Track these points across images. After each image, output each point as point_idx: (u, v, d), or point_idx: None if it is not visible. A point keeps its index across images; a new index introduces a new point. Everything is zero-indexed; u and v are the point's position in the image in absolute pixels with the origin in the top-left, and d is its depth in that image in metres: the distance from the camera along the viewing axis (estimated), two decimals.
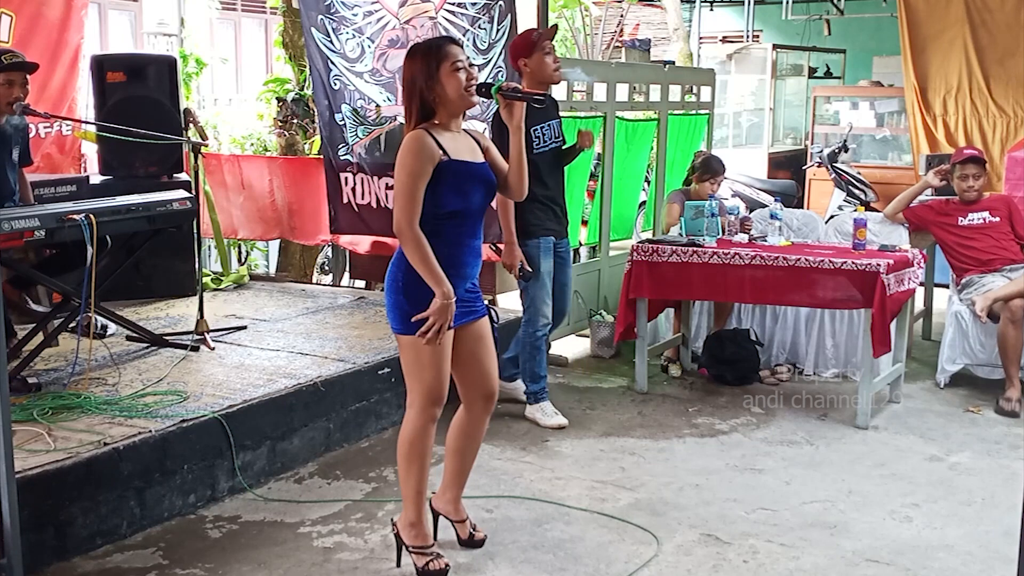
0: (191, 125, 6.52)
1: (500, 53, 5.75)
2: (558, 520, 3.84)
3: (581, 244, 6.82)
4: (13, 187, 4.86)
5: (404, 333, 3.26)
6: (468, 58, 3.27)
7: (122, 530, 3.65)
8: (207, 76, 9.89)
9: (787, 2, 14.56)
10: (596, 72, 6.48)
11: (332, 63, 6.41)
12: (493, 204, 3.83)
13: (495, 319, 3.53)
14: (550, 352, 5.78)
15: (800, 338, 5.90)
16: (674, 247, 5.27)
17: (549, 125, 4.82)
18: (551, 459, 4.51)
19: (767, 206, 7.03)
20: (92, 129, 6.31)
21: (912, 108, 8.37)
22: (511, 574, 3.42)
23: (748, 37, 14.81)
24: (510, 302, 6.27)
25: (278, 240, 7.76)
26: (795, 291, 5.06)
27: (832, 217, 7.21)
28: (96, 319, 4.75)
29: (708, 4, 16.06)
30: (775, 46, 12.33)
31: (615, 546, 3.63)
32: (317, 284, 7.47)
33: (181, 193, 5.06)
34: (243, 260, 8.15)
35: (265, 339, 5.24)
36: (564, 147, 4.99)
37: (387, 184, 6.35)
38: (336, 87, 6.43)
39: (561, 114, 5.08)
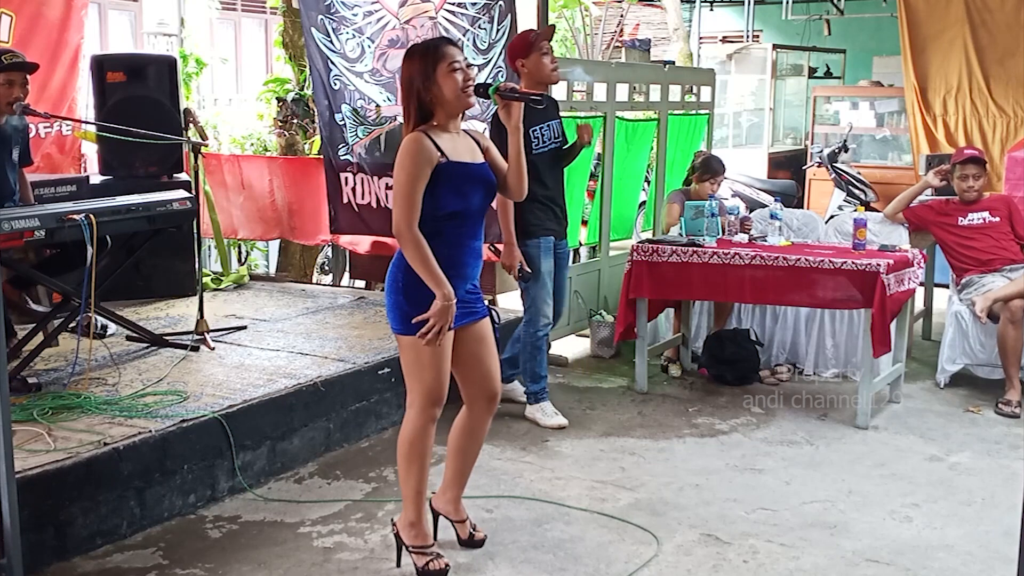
0: (191, 125, 6.52)
1: (500, 53, 5.75)
2: (558, 520, 3.84)
3: (581, 244, 6.82)
4: (13, 187, 4.86)
5: (404, 333, 3.26)
6: (466, 59, 3.27)
7: (122, 530, 3.65)
8: (207, 76, 9.89)
9: (787, 2, 14.56)
10: (596, 72, 6.48)
11: (332, 63, 6.41)
12: (493, 205, 3.83)
13: (496, 320, 3.53)
14: (550, 352, 5.78)
15: (800, 338, 5.90)
16: (674, 247, 5.27)
17: (549, 126, 4.82)
18: (551, 459, 4.51)
19: (767, 206, 7.03)
20: (92, 129, 6.31)
21: (912, 108, 8.37)
22: (511, 574, 3.42)
23: (748, 37, 14.81)
24: (510, 302, 6.27)
25: (278, 240, 7.76)
26: (795, 291, 5.06)
27: (832, 217, 7.21)
28: (96, 319, 4.75)
29: (708, 4, 16.06)
30: (775, 46, 12.33)
31: (615, 546, 3.63)
32: (317, 284, 7.47)
33: (181, 193, 5.06)
34: (243, 260, 8.15)
35: (265, 339, 5.24)
36: (565, 146, 4.99)
37: (387, 184, 6.35)
38: (336, 87, 6.43)
39: (561, 114, 5.08)
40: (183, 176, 6.23)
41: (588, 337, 6.35)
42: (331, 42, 6.38)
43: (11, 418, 2.96)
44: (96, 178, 6.19)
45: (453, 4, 5.95)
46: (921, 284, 5.60)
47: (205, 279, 6.14)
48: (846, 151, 9.40)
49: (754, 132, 12.18)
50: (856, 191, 9.04)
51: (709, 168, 5.93)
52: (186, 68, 8.36)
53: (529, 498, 4.04)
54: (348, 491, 4.13)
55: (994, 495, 4.14)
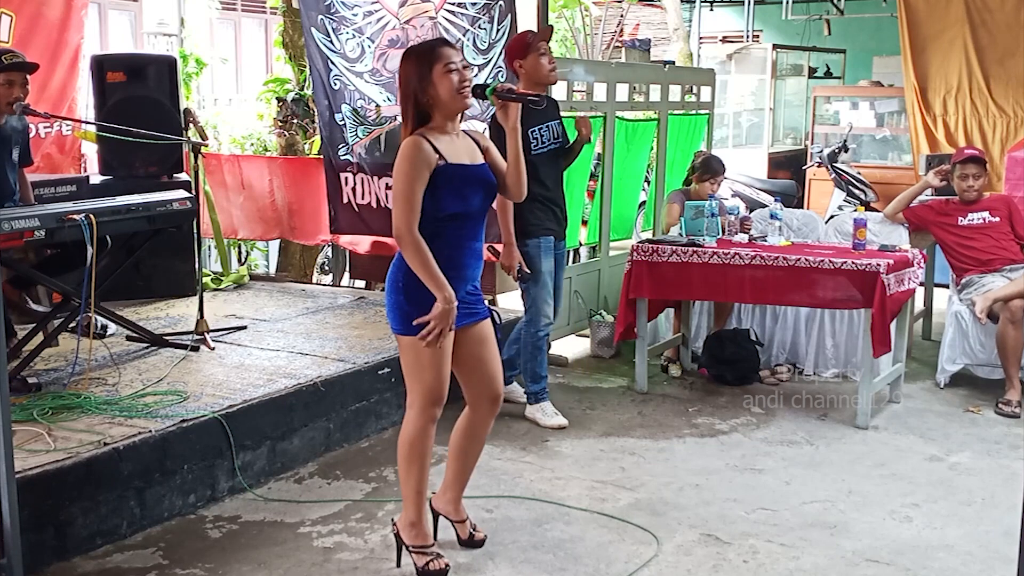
0: (191, 125, 6.52)
1: (500, 53, 5.74)
2: (558, 520, 3.84)
3: (581, 244, 6.82)
4: (13, 187, 4.86)
5: (404, 334, 3.26)
6: (463, 59, 3.25)
7: (122, 530, 3.65)
8: (207, 76, 9.89)
9: (787, 2, 14.56)
10: (596, 72, 6.48)
11: (332, 63, 6.41)
12: (493, 205, 3.83)
13: (497, 321, 3.53)
14: (550, 352, 5.78)
15: (800, 338, 5.90)
16: (674, 247, 5.27)
17: (548, 126, 4.82)
18: (551, 459, 4.51)
19: (767, 206, 7.03)
20: (92, 129, 6.31)
21: (912, 108, 8.37)
22: (511, 574, 3.42)
23: (748, 37, 14.81)
24: (510, 303, 6.27)
25: (278, 240, 7.76)
26: (795, 291, 5.06)
27: (832, 217, 7.21)
28: (96, 319, 4.75)
29: (708, 4, 16.06)
30: (775, 46, 12.33)
31: (615, 546, 3.63)
32: (317, 284, 7.47)
33: (181, 193, 5.06)
34: (243, 260, 8.15)
35: (265, 339, 5.24)
36: (567, 146, 4.99)
37: (387, 184, 6.34)
38: (336, 87, 6.43)
39: (562, 114, 5.07)
40: (183, 176, 6.23)
41: (588, 337, 6.35)
42: (331, 42, 6.38)
43: (11, 418, 2.96)
44: (96, 178, 6.19)
45: (453, 4, 5.95)
46: (921, 284, 5.60)
47: (205, 279, 6.14)
48: (846, 151, 9.40)
49: (754, 132, 12.18)
50: (856, 191, 9.04)
51: (709, 168, 5.93)
52: (186, 68, 8.35)
53: (529, 498, 4.04)
54: (348, 491, 4.13)
55: (994, 495, 4.14)
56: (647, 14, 16.17)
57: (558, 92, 5.87)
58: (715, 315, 6.03)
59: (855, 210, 6.04)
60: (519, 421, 4.97)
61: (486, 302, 3.54)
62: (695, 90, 7.57)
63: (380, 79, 6.29)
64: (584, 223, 6.76)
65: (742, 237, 5.46)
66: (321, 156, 6.78)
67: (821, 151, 9.47)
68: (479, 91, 3.31)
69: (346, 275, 7.30)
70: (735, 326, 5.95)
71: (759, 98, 12.14)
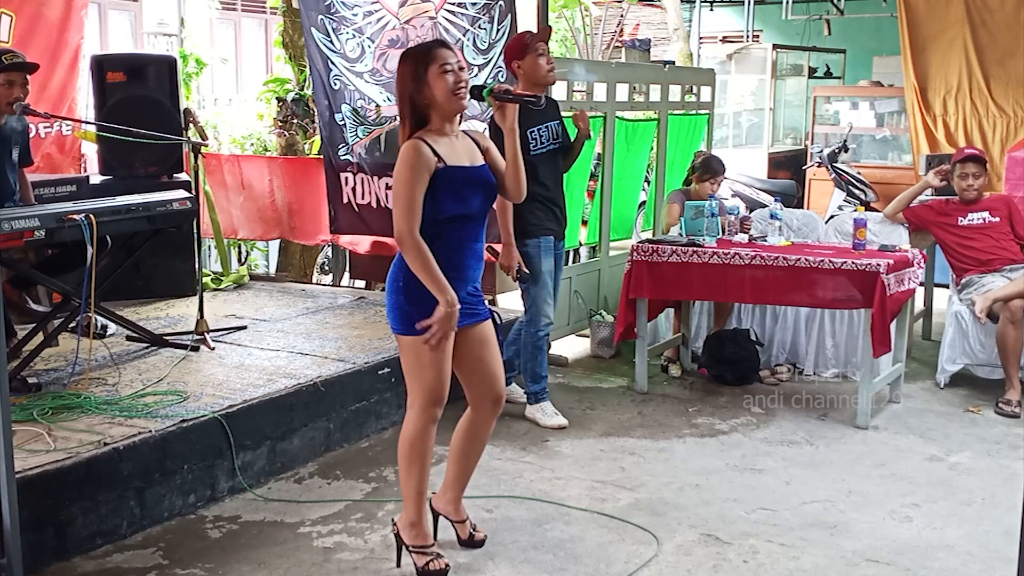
0: (191, 125, 6.52)
1: (500, 53, 5.74)
2: (558, 520, 3.84)
3: (581, 244, 6.82)
4: (13, 187, 4.86)
5: (405, 334, 3.26)
6: (460, 60, 3.24)
7: (122, 530, 3.65)
8: (207, 76, 9.89)
9: (787, 2, 14.56)
10: (596, 72, 6.48)
11: (332, 63, 6.41)
12: (494, 206, 3.83)
13: (498, 322, 3.53)
14: (550, 352, 5.78)
15: (800, 338, 5.90)
16: (674, 247, 5.27)
17: (547, 126, 4.82)
18: (551, 459, 4.51)
19: (767, 206, 7.03)
20: (92, 129, 6.31)
21: (912, 108, 8.37)
22: (511, 574, 3.42)
23: (748, 37, 14.81)
24: (511, 303, 6.27)
25: (278, 240, 7.76)
26: (795, 291, 5.06)
27: (832, 217, 7.21)
28: (96, 319, 4.75)
29: (708, 4, 16.06)
30: (775, 46, 12.33)
31: (615, 546, 3.63)
32: (317, 284, 7.47)
33: (181, 193, 5.06)
34: (243, 260, 8.15)
35: (265, 339, 5.24)
36: (567, 145, 4.99)
37: (387, 184, 6.35)
38: (336, 87, 6.43)
39: (563, 114, 5.07)
40: (183, 176, 6.23)
41: (588, 337, 6.35)
42: (331, 42, 6.38)
43: (11, 418, 2.96)
44: (96, 178, 6.19)
45: (453, 4, 5.95)
46: (921, 284, 5.60)
47: (205, 279, 6.14)
48: (846, 151, 9.40)
49: (754, 132, 12.18)
50: (856, 191, 9.04)
51: (709, 168, 5.93)
52: (186, 68, 8.35)
53: (529, 498, 4.04)
54: (348, 491, 4.13)
55: (994, 495, 4.14)
56: (647, 14, 16.17)
57: (558, 92, 5.87)
58: (715, 315, 6.03)
59: (855, 210, 6.04)
60: (519, 421, 4.97)
61: (486, 303, 3.53)
62: (695, 90, 7.57)
63: (380, 79, 6.29)
64: (584, 223, 6.76)
65: (742, 237, 5.46)
66: (321, 156, 6.78)
67: (821, 151, 9.47)
68: (476, 92, 3.30)
69: (346, 275, 7.30)
70: (735, 326, 5.95)
71: (759, 98, 12.14)
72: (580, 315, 6.30)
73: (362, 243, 6.70)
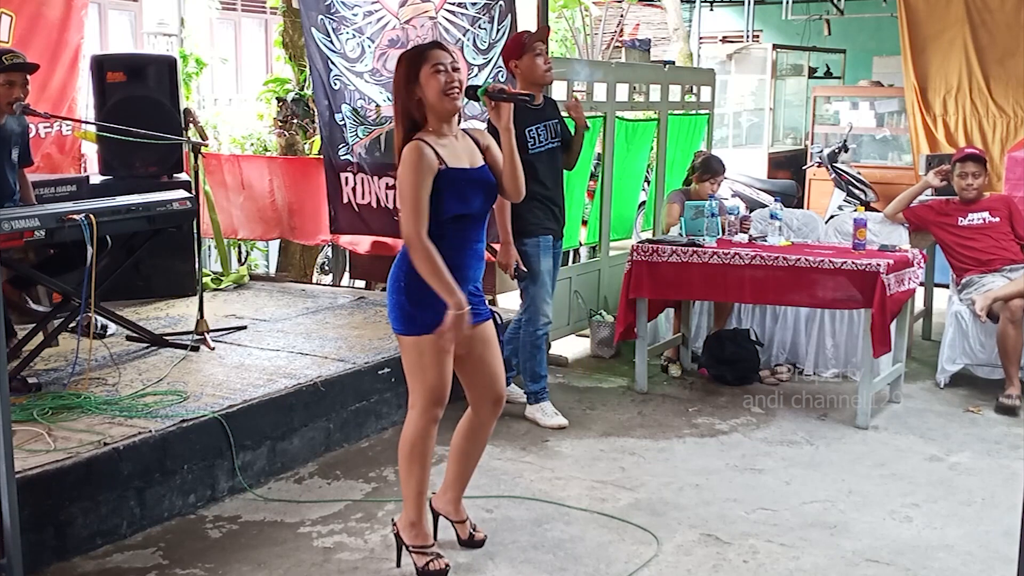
0: (191, 125, 6.52)
1: (500, 53, 5.74)
2: (558, 520, 3.84)
3: (581, 244, 6.82)
4: (13, 187, 4.86)
5: (406, 334, 3.26)
6: (453, 61, 3.22)
7: (122, 530, 3.65)
8: (207, 76, 9.89)
9: (787, 2, 14.56)
10: (596, 72, 6.48)
11: (332, 63, 6.41)
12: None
13: (498, 322, 3.53)
14: (550, 352, 5.78)
15: (800, 338, 5.90)
16: (674, 247, 5.27)
17: (545, 126, 4.82)
18: (551, 459, 4.51)
19: (767, 206, 7.02)
20: (92, 129, 6.31)
21: (912, 108, 8.37)
22: (511, 574, 3.42)
23: (748, 37, 14.81)
24: (511, 303, 6.27)
25: (278, 240, 7.76)
26: (795, 291, 5.06)
27: (832, 217, 7.21)
28: (96, 319, 4.75)
29: (708, 4, 16.06)
30: (775, 46, 12.33)
31: (615, 546, 3.63)
32: (317, 284, 7.47)
33: (181, 193, 5.07)
34: (243, 260, 8.15)
35: (265, 339, 5.24)
36: (567, 140, 4.99)
37: (387, 184, 6.35)
38: (336, 87, 6.43)
39: (562, 114, 5.07)
40: (183, 176, 6.23)
41: (588, 337, 6.35)
42: (331, 42, 6.38)
43: (11, 418, 2.96)
44: (96, 178, 6.19)
45: (453, 4, 5.95)
46: (921, 284, 5.60)
47: (205, 279, 6.14)
48: (846, 151, 9.40)
49: (754, 132, 12.18)
50: (856, 191, 9.04)
51: (709, 168, 5.93)
52: (186, 68, 8.36)
53: (529, 498, 4.04)
54: (348, 491, 4.13)
55: (994, 495, 4.14)
56: (647, 14, 16.18)
57: (558, 92, 5.87)
58: (715, 315, 6.03)
59: (855, 210, 6.04)
60: (519, 421, 4.97)
61: (487, 302, 3.53)
62: (695, 90, 7.57)
63: (380, 79, 6.29)
64: (584, 223, 6.76)
65: (742, 237, 5.46)
66: (321, 156, 6.78)
67: (821, 151, 9.47)
68: (471, 92, 3.30)
69: (346, 275, 7.30)
70: (735, 326, 5.95)
71: (759, 98, 12.14)
72: (580, 315, 6.30)
73: (362, 243, 6.71)
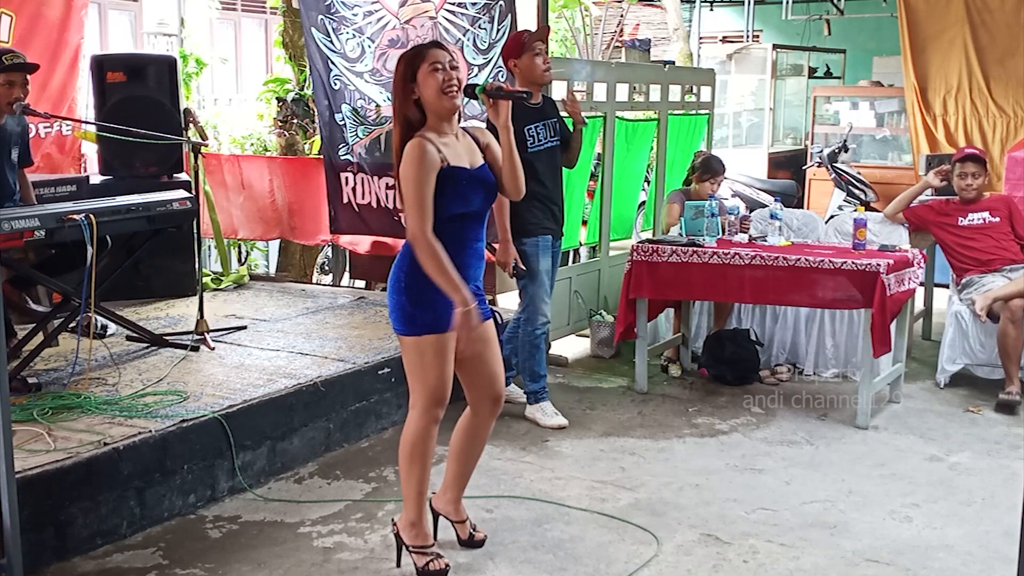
0: (191, 125, 6.52)
1: (500, 53, 5.75)
2: (558, 520, 3.84)
3: (581, 244, 6.82)
4: (13, 187, 4.86)
5: (407, 334, 3.26)
6: (452, 60, 3.22)
7: (122, 530, 3.65)
8: (207, 76, 9.89)
9: (787, 2, 14.56)
10: (596, 72, 6.48)
11: (332, 63, 6.41)
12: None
13: (498, 321, 3.53)
14: (550, 352, 5.78)
15: (800, 338, 5.90)
16: (674, 247, 5.27)
17: (544, 124, 4.83)
18: (551, 459, 4.51)
19: (767, 206, 7.02)
20: (92, 129, 6.31)
21: (912, 108, 8.37)
22: (511, 574, 3.42)
23: (748, 37, 14.81)
24: (511, 303, 6.26)
25: (278, 240, 7.76)
26: (795, 291, 5.06)
27: (832, 217, 7.21)
28: (96, 319, 4.75)
29: (708, 4, 16.06)
30: (775, 46, 12.33)
31: (615, 546, 3.63)
32: (317, 284, 7.47)
33: (181, 193, 5.07)
34: (243, 260, 8.16)
35: (265, 339, 5.24)
36: (567, 138, 4.99)
37: (387, 184, 6.35)
38: (336, 87, 6.43)
39: (562, 114, 5.08)
40: (183, 176, 6.23)
41: (588, 337, 6.35)
42: (331, 42, 6.38)
43: (11, 418, 2.96)
44: (96, 178, 6.19)
45: (453, 4, 5.95)
46: (921, 284, 5.60)
47: (205, 279, 6.14)
48: (846, 151, 9.40)
49: (754, 132, 12.18)
50: (856, 191, 9.04)
51: (709, 168, 5.93)
52: (186, 68, 8.36)
53: (529, 498, 4.04)
54: (348, 491, 4.13)
55: (994, 495, 4.14)
56: (647, 14, 16.18)
57: (558, 92, 5.87)
58: (715, 315, 6.03)
59: (855, 210, 6.04)
60: (519, 421, 4.97)
61: (487, 302, 3.53)
62: (695, 90, 7.57)
63: (380, 79, 6.29)
64: (584, 223, 6.76)
65: (742, 237, 5.46)
66: (321, 156, 6.79)
67: (821, 151, 9.47)
68: (469, 91, 3.30)
69: (346, 275, 7.30)
70: (735, 326, 5.95)
71: (759, 98, 12.14)
72: (580, 315, 6.30)
73: (362, 243, 6.71)
